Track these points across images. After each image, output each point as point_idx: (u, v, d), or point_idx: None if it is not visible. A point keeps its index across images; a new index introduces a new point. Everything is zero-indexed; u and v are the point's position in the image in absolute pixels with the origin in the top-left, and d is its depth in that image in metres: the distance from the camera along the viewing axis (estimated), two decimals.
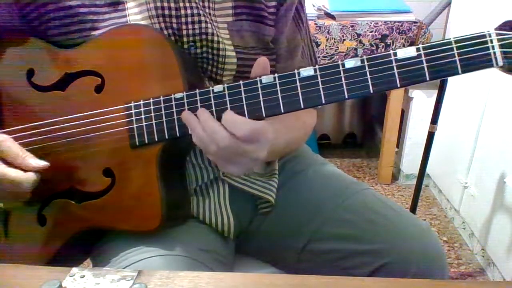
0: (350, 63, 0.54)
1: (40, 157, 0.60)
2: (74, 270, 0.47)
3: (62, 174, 0.64)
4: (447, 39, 0.52)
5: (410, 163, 2.11)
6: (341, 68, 0.54)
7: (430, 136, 1.45)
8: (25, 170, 0.59)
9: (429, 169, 1.63)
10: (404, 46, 1.80)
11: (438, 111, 1.41)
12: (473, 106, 1.64)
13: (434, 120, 1.42)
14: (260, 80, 0.56)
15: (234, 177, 0.74)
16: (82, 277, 0.46)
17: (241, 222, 0.76)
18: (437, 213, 1.94)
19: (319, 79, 0.54)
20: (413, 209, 1.56)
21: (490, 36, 0.51)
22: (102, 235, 0.70)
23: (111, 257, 0.65)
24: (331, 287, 0.47)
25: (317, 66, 0.55)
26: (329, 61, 1.79)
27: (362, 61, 0.53)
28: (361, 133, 2.56)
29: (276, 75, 0.55)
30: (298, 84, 0.55)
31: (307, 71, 0.55)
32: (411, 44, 1.80)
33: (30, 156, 0.60)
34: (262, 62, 0.56)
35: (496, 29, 0.51)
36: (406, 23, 1.78)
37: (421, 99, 1.97)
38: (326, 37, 1.78)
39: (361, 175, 2.28)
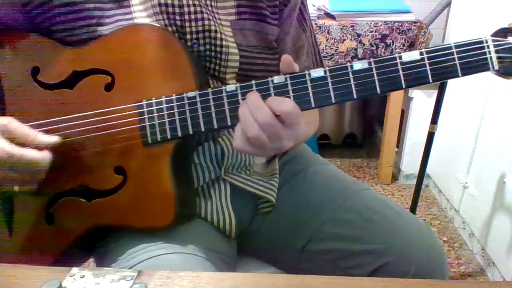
0: (358, 65, 0.57)
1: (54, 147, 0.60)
2: (74, 270, 0.47)
3: (71, 172, 0.64)
4: (447, 44, 0.56)
5: (410, 163, 2.11)
6: (349, 70, 0.57)
7: (430, 136, 1.45)
8: (38, 149, 0.59)
9: (429, 169, 1.63)
10: (404, 46, 1.80)
11: (438, 111, 1.41)
12: (473, 106, 1.64)
13: (434, 120, 1.42)
14: (272, 80, 0.57)
15: (236, 177, 0.74)
16: (82, 277, 0.46)
17: (242, 222, 0.76)
18: (437, 213, 1.94)
19: (329, 80, 0.57)
20: (413, 209, 1.56)
21: (486, 42, 0.55)
22: (107, 234, 0.70)
23: (118, 256, 0.65)
24: (331, 287, 0.47)
25: (326, 68, 0.57)
26: (329, 61, 1.79)
27: (370, 63, 0.56)
28: (361, 133, 2.56)
29: (288, 75, 0.57)
30: (309, 84, 0.57)
31: (317, 72, 0.57)
32: (411, 44, 1.80)
33: (40, 133, 0.60)
34: (285, 59, 0.57)
35: (492, 35, 0.56)
36: (406, 23, 1.78)
37: (421, 99, 1.97)
38: (326, 37, 1.78)
39: (361, 175, 2.28)
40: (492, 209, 1.50)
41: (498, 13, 1.48)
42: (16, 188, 0.63)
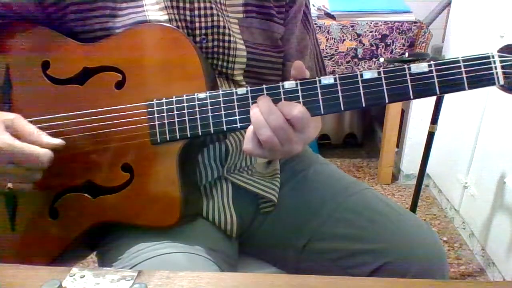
0: (367, 74, 0.57)
1: (57, 149, 0.60)
2: (74, 270, 0.47)
3: (78, 168, 0.65)
4: (455, 58, 0.56)
5: (410, 163, 2.11)
6: (359, 79, 0.57)
7: (430, 136, 1.45)
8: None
9: (429, 169, 1.63)
10: (404, 46, 1.80)
11: (438, 111, 1.41)
12: (473, 106, 1.64)
13: (434, 120, 1.42)
14: (283, 85, 0.58)
15: (238, 176, 0.75)
16: (82, 277, 0.46)
17: (243, 221, 0.76)
18: (437, 213, 1.94)
19: (339, 88, 0.57)
20: (413, 209, 1.56)
21: (493, 57, 0.56)
22: (110, 232, 0.70)
23: (120, 255, 0.65)
24: (331, 287, 0.46)
25: (337, 75, 0.57)
26: (329, 61, 1.79)
27: (379, 73, 0.57)
28: (361, 133, 2.56)
29: (298, 81, 0.58)
30: (319, 91, 0.57)
31: (328, 80, 0.58)
32: (411, 44, 1.80)
33: (44, 134, 0.60)
34: (297, 66, 0.58)
35: (498, 51, 0.56)
36: (406, 23, 1.78)
37: (421, 99, 1.96)
38: (326, 37, 1.78)
39: (361, 175, 2.28)
40: (492, 209, 1.50)
41: (498, 14, 1.48)
42: (10, 185, 0.62)
